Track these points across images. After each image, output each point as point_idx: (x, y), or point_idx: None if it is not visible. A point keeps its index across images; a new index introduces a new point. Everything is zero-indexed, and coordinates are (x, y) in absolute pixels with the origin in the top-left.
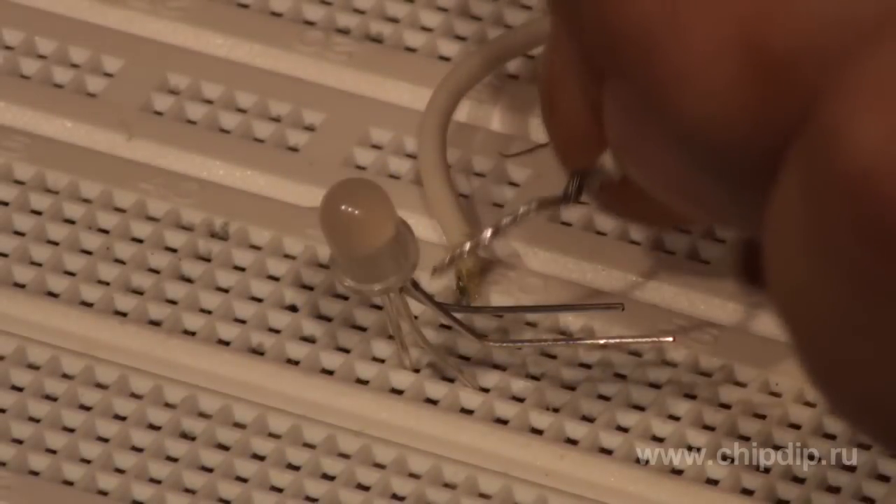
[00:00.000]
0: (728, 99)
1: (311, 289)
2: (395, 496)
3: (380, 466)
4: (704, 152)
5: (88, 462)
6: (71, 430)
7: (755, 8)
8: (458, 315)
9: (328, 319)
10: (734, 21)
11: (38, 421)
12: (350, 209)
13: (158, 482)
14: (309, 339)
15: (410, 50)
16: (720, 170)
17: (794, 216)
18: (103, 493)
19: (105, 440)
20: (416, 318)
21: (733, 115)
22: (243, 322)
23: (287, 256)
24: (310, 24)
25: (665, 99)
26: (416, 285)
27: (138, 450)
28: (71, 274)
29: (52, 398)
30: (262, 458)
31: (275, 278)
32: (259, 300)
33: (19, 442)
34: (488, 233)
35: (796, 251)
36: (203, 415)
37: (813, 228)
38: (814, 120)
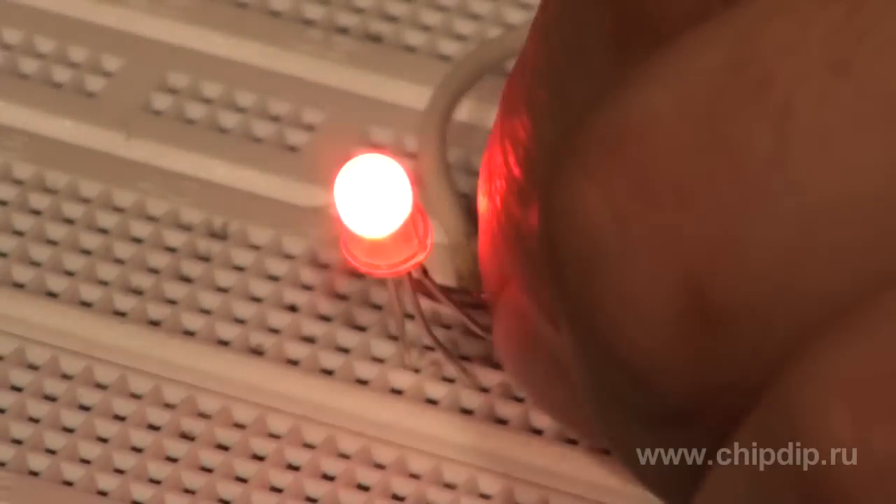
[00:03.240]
0: (664, 338)
1: (311, 289)
2: (395, 496)
3: (380, 467)
4: (630, 382)
5: (88, 462)
6: (71, 431)
7: (704, 251)
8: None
9: (328, 319)
10: (682, 260)
11: (37, 421)
12: (366, 186)
13: (158, 482)
14: (309, 339)
15: (410, 49)
16: (639, 406)
17: (736, 481)
18: (103, 493)
19: (105, 440)
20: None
21: (666, 357)
22: (243, 322)
23: (287, 256)
24: (310, 23)
25: (601, 316)
26: (425, 272)
27: (138, 450)
28: (71, 274)
29: (51, 398)
30: (262, 459)
31: (275, 278)
32: (259, 300)
33: (19, 442)
34: None
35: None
36: (203, 415)
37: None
38: (769, 393)
